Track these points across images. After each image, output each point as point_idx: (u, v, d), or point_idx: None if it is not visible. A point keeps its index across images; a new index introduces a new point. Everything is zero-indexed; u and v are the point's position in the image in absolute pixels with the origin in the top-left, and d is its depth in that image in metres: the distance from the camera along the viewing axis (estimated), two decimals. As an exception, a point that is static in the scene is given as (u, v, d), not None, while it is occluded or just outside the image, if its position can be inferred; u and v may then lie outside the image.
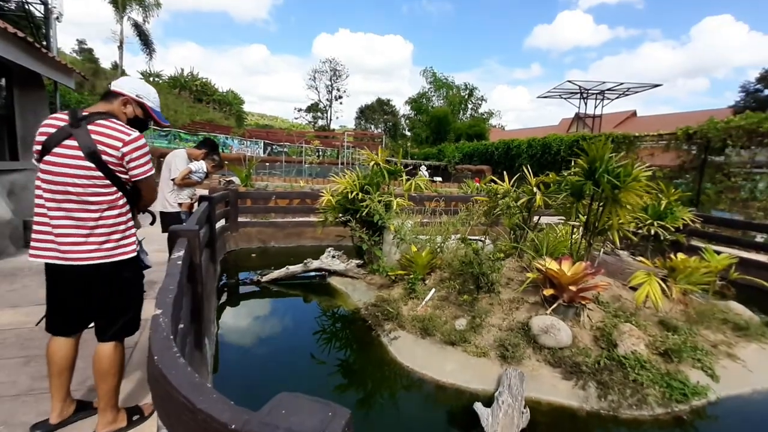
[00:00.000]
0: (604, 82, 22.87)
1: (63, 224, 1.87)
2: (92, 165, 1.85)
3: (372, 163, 5.03)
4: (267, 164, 21.56)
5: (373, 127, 50.05)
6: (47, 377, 2.07)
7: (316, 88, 51.12)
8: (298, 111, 54.01)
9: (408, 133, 41.10)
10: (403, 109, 46.68)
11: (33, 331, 3.21)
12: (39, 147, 1.86)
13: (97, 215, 1.89)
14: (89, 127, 1.85)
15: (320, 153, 28.39)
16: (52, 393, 2.04)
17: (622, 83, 22.59)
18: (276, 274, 5.20)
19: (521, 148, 18.60)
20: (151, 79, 41.06)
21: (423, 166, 24.08)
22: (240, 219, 7.12)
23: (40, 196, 1.88)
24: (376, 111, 50.94)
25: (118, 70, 18.79)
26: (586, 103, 24.98)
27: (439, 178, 21.62)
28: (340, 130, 35.76)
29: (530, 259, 3.94)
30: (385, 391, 3.11)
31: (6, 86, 5.98)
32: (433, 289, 3.96)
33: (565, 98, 26.14)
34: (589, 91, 24.10)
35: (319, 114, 52.59)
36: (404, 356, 3.31)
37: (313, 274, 5.37)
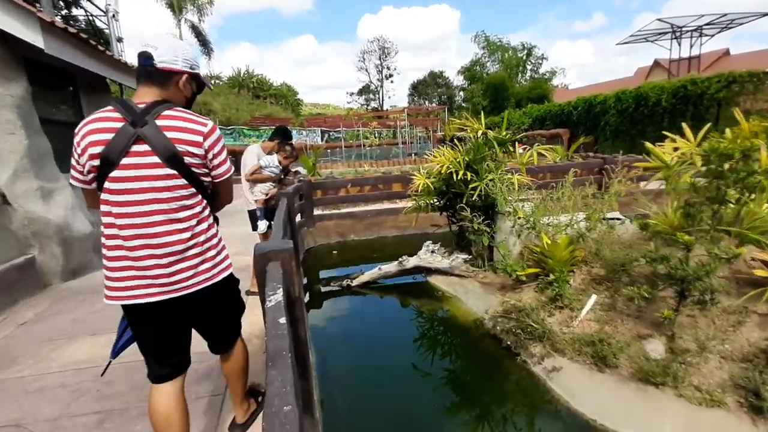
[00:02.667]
0: (701, 16, 19.25)
1: (147, 254, 1.47)
2: (174, 171, 1.46)
3: (478, 133, 4.00)
4: (328, 151, 21.28)
5: (426, 102, 48.26)
6: None
7: (366, 70, 50.41)
8: (350, 95, 53.79)
9: (464, 105, 38.91)
10: (456, 80, 44.52)
11: (113, 370, 2.73)
12: (96, 162, 1.40)
13: (188, 234, 1.53)
14: (158, 122, 1.43)
15: (378, 134, 27.63)
16: None
17: (725, 14, 18.84)
18: (368, 276, 4.44)
19: (607, 104, 16.21)
20: (213, 81, 42.94)
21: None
22: (315, 212, 6.49)
23: (111, 225, 1.46)
24: (429, 85, 49.13)
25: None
26: (680, 44, 21.32)
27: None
28: (395, 110, 34.56)
29: (728, 245, 2.66)
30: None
31: (72, 93, 5.77)
32: (594, 296, 2.91)
33: (652, 41, 22.58)
34: (683, 29, 20.49)
35: (370, 95, 51.98)
36: (580, 400, 2.33)
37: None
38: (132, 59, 6.58)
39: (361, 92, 52.44)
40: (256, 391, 2.26)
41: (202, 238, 1.58)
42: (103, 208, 1.46)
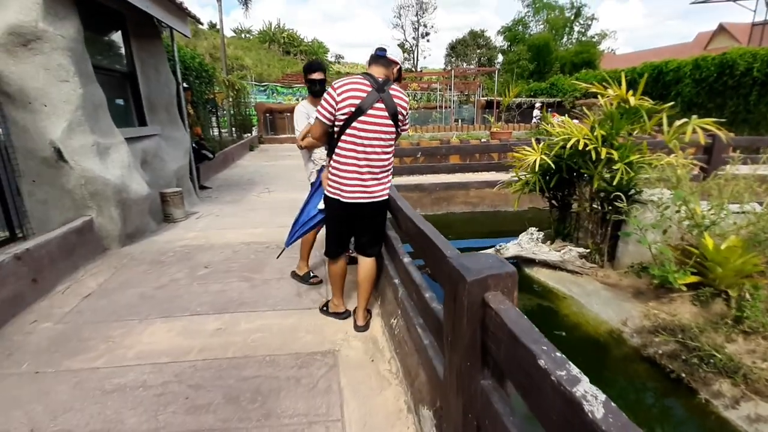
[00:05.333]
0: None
1: (367, 171, 2.33)
2: (392, 123, 2.29)
3: (615, 102, 3.21)
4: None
5: (465, 64, 45.72)
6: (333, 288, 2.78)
7: (402, 27, 47.76)
8: (385, 53, 51.35)
9: (503, 68, 36.53)
10: (496, 40, 41.73)
11: (196, 367, 2.32)
12: (352, 109, 2.20)
13: (387, 162, 2.40)
14: (391, 92, 2.26)
15: (414, 97, 26.27)
16: (338, 295, 2.75)
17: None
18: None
19: (682, 72, 14.50)
20: (243, 35, 41.72)
21: (537, 105, 20.88)
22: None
23: (352, 149, 2.28)
24: (469, 45, 46.31)
25: (220, 29, 18.45)
26: (767, 4, 18.72)
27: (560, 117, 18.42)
28: (434, 71, 32.74)
29: None
30: None
31: (123, 40, 5.21)
32: None
33: (734, 0, 19.97)
34: (777, -14, 17.90)
35: (405, 55, 49.45)
36: None
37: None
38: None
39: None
40: (369, 312, 2.79)
41: (390, 168, 2.45)
42: (347, 139, 2.26)
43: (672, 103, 3.34)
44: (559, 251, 3.59)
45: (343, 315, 2.75)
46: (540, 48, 31.86)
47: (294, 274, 3.42)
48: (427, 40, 51.04)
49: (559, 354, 0.82)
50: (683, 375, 2.31)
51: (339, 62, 51.79)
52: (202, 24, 7.05)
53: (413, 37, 48.32)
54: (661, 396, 2.40)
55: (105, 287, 3.41)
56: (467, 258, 1.20)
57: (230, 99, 14.59)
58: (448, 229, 5.68)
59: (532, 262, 3.75)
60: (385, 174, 2.41)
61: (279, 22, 41.74)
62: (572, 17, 36.65)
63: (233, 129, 14.65)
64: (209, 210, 5.96)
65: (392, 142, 2.37)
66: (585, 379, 0.74)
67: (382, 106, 2.21)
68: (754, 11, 19.42)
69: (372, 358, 2.38)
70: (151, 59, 5.63)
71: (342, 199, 2.35)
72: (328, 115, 2.25)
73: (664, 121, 3.24)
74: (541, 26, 36.51)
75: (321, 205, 2.71)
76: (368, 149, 2.27)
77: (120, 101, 5.25)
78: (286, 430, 1.87)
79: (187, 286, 3.45)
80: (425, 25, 47.64)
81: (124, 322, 2.84)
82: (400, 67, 2.42)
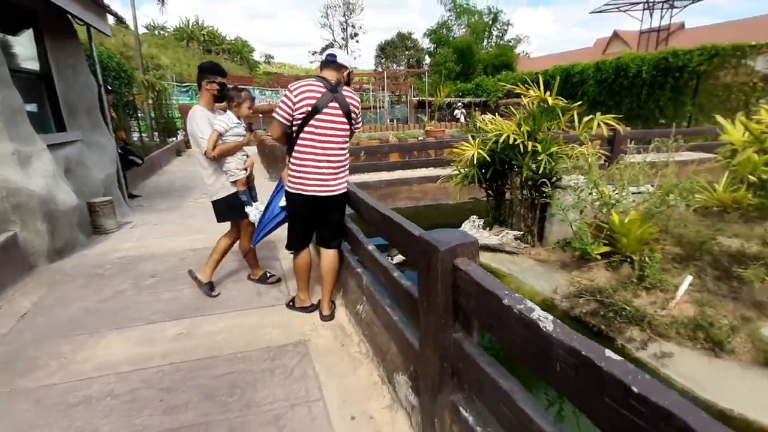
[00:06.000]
0: (674, -13, 19.62)
1: (327, 166, 2.50)
2: (347, 121, 2.49)
3: (536, 101, 3.68)
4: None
5: (395, 65, 46.77)
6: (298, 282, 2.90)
7: (330, 26, 47.40)
8: (313, 54, 50.72)
9: (431, 69, 38.11)
10: (423, 42, 43.36)
11: (164, 371, 2.31)
12: (309, 108, 2.37)
13: (343, 158, 2.58)
14: (343, 93, 2.46)
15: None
16: (303, 288, 2.87)
17: (697, -14, 19.31)
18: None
19: (586, 74, 16.31)
20: (157, 32, 38.75)
21: (459, 105, 21.84)
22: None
23: (312, 147, 2.44)
24: (398, 47, 47.39)
25: (134, 25, 17.04)
26: (651, 15, 21.70)
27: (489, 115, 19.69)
28: (368, 72, 33.13)
29: None
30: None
31: (36, 39, 4.76)
32: (689, 277, 2.82)
33: (624, 11, 22.83)
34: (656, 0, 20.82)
35: (335, 55, 49.24)
36: (709, 389, 2.24)
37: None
38: None
39: (324, 51, 49.55)
40: (333, 303, 2.90)
41: (347, 163, 2.63)
42: (305, 136, 2.42)
43: (580, 102, 3.90)
44: (498, 235, 4.01)
45: (310, 309, 2.86)
46: (464, 50, 33.55)
47: (250, 278, 3.45)
48: (357, 41, 51.07)
49: (516, 294, 1.07)
50: (603, 327, 2.79)
51: (269, 62, 50.27)
52: (124, 22, 6.59)
53: (342, 38, 48.28)
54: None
55: (41, 305, 3.16)
56: (436, 233, 1.42)
57: (150, 101, 13.66)
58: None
59: (474, 246, 4.14)
60: (343, 168, 2.58)
61: (198, 19, 39.41)
62: (490, 22, 39.14)
63: (155, 133, 13.73)
64: (144, 219, 5.65)
65: (347, 139, 2.55)
66: (537, 307, 0.99)
67: (336, 105, 2.39)
68: (641, 21, 22.46)
69: (342, 343, 2.53)
70: (68, 59, 5.20)
71: (305, 193, 2.48)
72: (287, 116, 2.39)
73: (575, 117, 3.81)
74: (464, 30, 38.52)
75: (283, 202, 2.79)
76: (326, 145, 2.42)
77: (34, 105, 4.79)
78: (269, 416, 1.96)
79: (134, 296, 3.32)
80: (353, 26, 47.76)
81: (72, 338, 2.70)
82: (350, 72, 2.57)
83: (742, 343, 2.37)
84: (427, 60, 42.00)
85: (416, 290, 1.62)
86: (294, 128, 2.46)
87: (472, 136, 4.08)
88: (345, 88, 2.47)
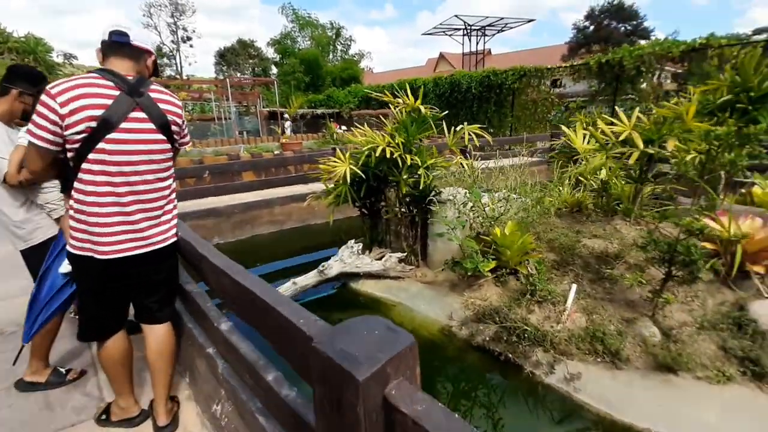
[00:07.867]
0: (486, 17, 23.20)
1: (138, 209, 1.62)
2: (164, 137, 1.66)
3: (407, 110, 3.36)
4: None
5: (239, 74, 43.96)
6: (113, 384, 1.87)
7: (156, 27, 41.71)
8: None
9: (279, 79, 37.08)
10: (267, 51, 42.07)
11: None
12: (93, 123, 1.47)
13: (168, 192, 1.74)
14: (152, 95, 1.61)
15: (190, 108, 23.32)
16: (125, 392, 1.87)
17: (501, 18, 23.20)
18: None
19: (428, 88, 17.82)
20: None
21: (286, 116, 19.75)
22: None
23: (105, 183, 1.54)
24: (240, 55, 44.82)
25: None
26: (470, 39, 25.22)
27: (344, 127, 19.75)
28: (206, 79, 29.88)
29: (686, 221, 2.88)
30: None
31: None
32: (574, 285, 2.79)
33: (449, 35, 26.00)
34: (472, 27, 24.27)
35: (164, 60, 43.59)
36: (622, 409, 2.13)
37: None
38: None
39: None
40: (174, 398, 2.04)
41: (173, 196, 1.79)
42: (93, 168, 1.52)
43: (445, 113, 3.79)
44: (380, 259, 3.58)
45: (137, 419, 1.87)
46: (311, 62, 33.53)
47: (31, 385, 2.17)
48: (190, 45, 46.39)
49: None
50: (509, 354, 2.57)
51: (72, 63, 40.86)
52: None
53: (172, 41, 43.11)
54: (499, 378, 2.60)
55: None
56: (342, 337, 0.80)
57: None
58: (255, 254, 5.07)
59: (357, 275, 3.62)
60: (167, 208, 1.75)
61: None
62: (334, 36, 40.23)
63: None
64: None
65: (169, 164, 1.73)
66: None
67: (142, 115, 1.57)
68: (462, 44, 25.94)
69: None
70: None
71: (97, 256, 1.56)
72: (50, 137, 1.48)
73: (445, 128, 3.68)
74: (308, 42, 38.61)
75: (65, 268, 1.78)
76: (132, 177, 1.58)
77: None
78: None
79: None
80: (185, 29, 43.25)
81: None
82: (156, 58, 1.75)
83: (631, 348, 2.42)
84: (274, 70, 40.66)
85: (312, 415, 0.97)
86: (69, 154, 1.54)
87: (340, 149, 3.56)
88: (154, 87, 1.64)
